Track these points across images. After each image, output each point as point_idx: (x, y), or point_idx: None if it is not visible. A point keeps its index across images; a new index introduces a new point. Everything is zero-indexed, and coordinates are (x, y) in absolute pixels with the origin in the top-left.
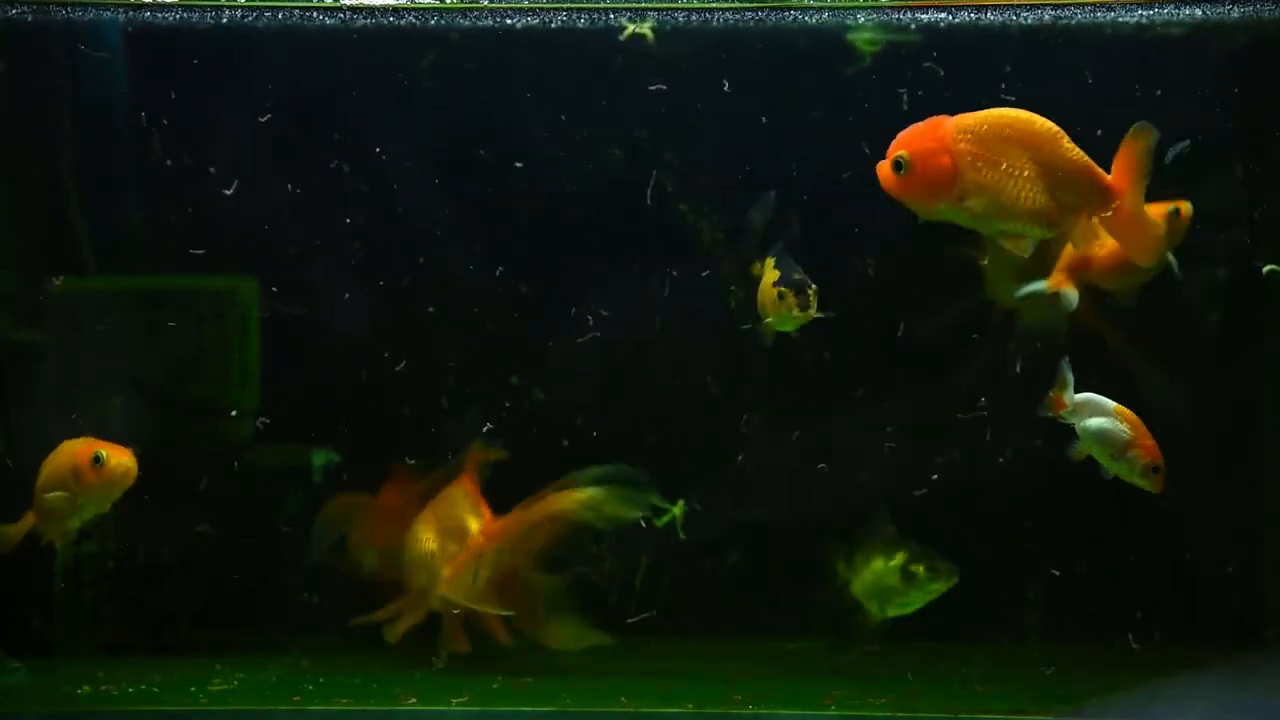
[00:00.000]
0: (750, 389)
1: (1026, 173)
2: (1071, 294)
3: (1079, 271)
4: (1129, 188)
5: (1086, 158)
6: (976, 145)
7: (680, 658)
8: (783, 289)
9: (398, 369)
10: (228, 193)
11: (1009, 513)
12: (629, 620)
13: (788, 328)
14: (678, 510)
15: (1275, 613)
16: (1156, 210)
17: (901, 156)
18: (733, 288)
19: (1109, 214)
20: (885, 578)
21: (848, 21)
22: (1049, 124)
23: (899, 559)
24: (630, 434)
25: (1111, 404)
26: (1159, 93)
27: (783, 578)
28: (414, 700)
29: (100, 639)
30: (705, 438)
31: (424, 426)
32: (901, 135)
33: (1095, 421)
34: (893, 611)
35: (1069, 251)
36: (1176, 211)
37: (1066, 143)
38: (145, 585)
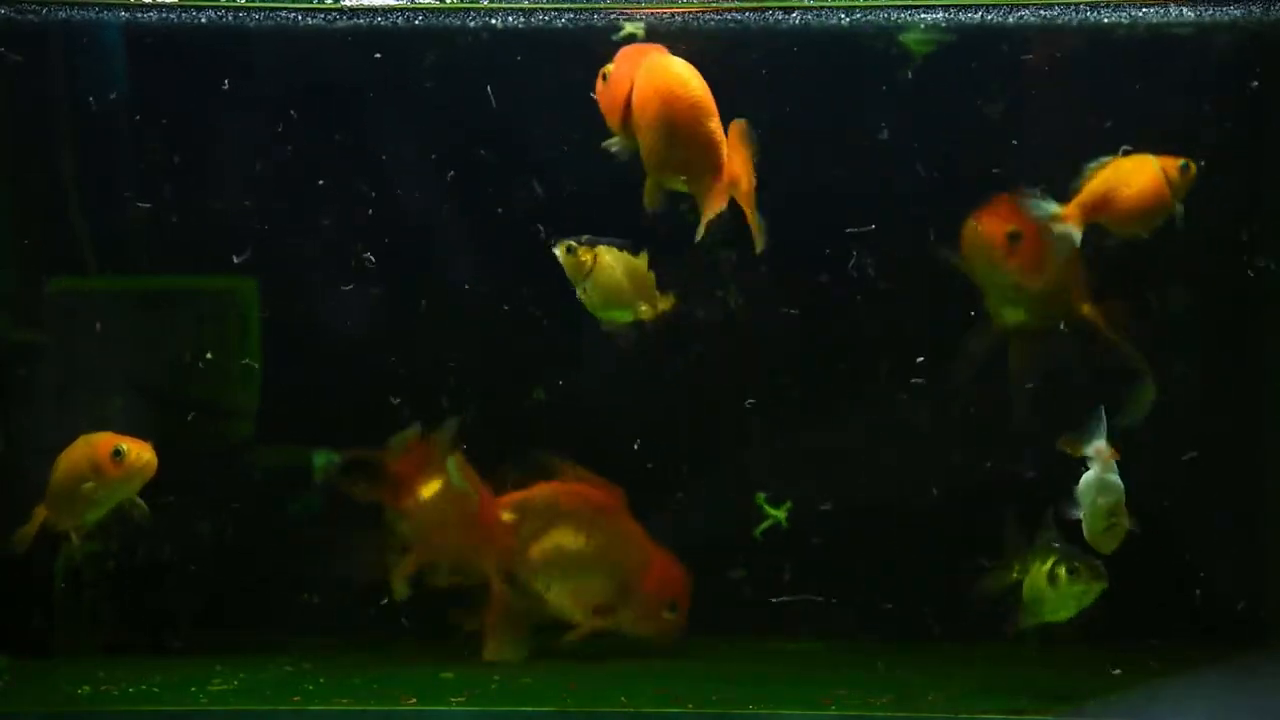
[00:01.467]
0: (752, 387)
1: (665, 129)
2: (1075, 232)
3: (1094, 212)
4: (738, 171)
5: (720, 136)
6: (644, 86)
7: (680, 657)
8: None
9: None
10: (225, 191)
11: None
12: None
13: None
14: (781, 514)
15: (1275, 613)
16: (1169, 163)
17: (606, 70)
18: (731, 286)
19: (718, 186)
20: (1037, 581)
21: (833, 21)
22: (700, 96)
23: (1049, 562)
24: (635, 432)
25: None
26: (1157, 92)
27: (785, 577)
28: (414, 700)
29: (100, 639)
30: (707, 436)
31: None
32: (624, 50)
33: (1115, 479)
34: (1048, 617)
35: (1088, 189)
36: (1186, 166)
37: (710, 118)
38: (145, 585)
